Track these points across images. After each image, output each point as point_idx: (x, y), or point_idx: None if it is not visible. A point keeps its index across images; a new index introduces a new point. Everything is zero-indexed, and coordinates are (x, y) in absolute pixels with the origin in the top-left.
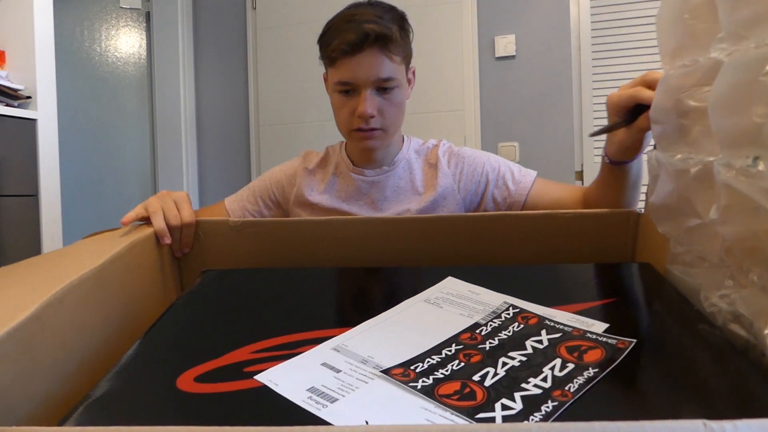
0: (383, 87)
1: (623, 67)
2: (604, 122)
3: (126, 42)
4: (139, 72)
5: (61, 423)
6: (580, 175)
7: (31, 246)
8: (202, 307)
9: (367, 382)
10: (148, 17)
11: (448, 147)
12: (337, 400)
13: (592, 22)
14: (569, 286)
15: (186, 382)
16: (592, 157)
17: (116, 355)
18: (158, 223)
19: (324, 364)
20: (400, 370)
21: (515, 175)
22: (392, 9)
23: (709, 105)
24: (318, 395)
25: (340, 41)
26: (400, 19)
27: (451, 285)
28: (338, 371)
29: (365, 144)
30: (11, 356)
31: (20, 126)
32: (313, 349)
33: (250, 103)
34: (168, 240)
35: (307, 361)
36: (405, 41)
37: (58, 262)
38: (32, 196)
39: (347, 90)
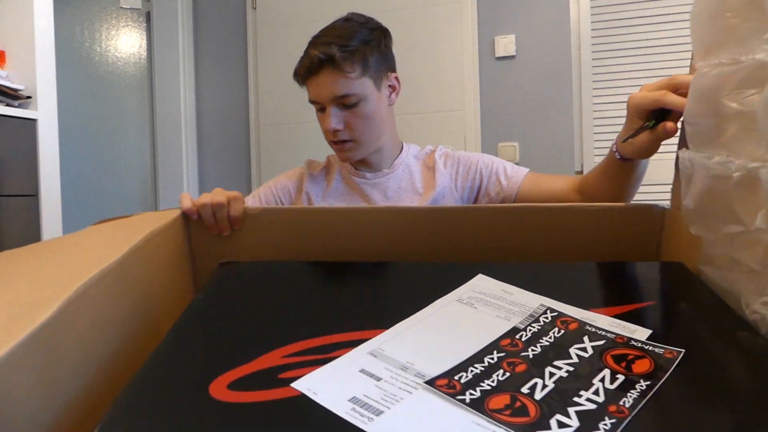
0: (344, 103)
1: (623, 67)
2: (605, 122)
3: (126, 42)
4: (139, 72)
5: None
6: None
7: None
8: (225, 304)
9: (411, 392)
10: (148, 17)
11: (444, 151)
12: (382, 412)
13: (592, 22)
14: (603, 287)
15: (219, 389)
16: (591, 157)
17: (134, 354)
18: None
19: (363, 371)
20: (444, 381)
21: (507, 171)
22: (366, 22)
23: (760, 110)
24: (361, 407)
25: (300, 65)
26: (369, 33)
27: (483, 283)
28: (379, 379)
29: (341, 155)
30: (35, 359)
31: (20, 126)
32: (349, 353)
33: (250, 103)
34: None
35: (344, 367)
36: (360, 57)
37: (70, 251)
38: (32, 196)
39: (320, 108)
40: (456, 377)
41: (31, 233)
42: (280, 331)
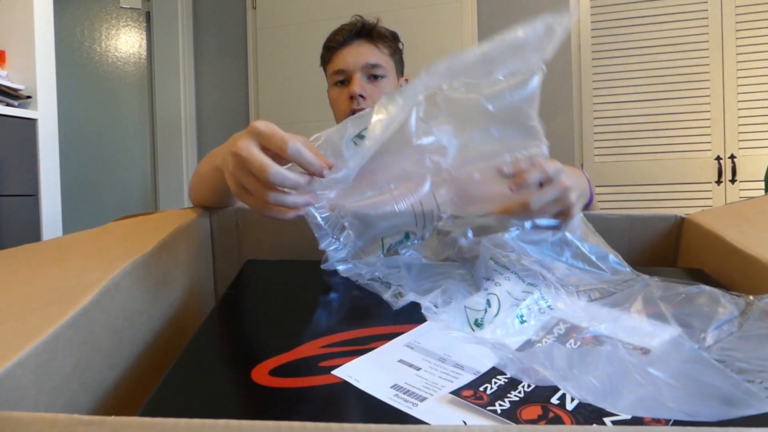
0: (372, 74)
1: (623, 66)
2: (605, 122)
3: (126, 42)
4: (139, 72)
5: (140, 414)
6: None
7: None
8: (257, 298)
9: (452, 382)
10: (148, 17)
11: None
12: (425, 399)
13: (592, 22)
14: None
15: (261, 375)
16: (591, 158)
17: (162, 348)
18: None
19: (401, 361)
20: (470, 392)
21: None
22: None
23: None
24: (404, 393)
25: (334, 35)
26: (389, 30)
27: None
28: (418, 369)
29: None
30: (74, 344)
31: (20, 126)
32: (386, 345)
33: (250, 103)
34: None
35: (382, 357)
36: (392, 41)
37: (97, 244)
38: (32, 196)
39: (342, 80)
40: (481, 388)
41: (31, 233)
42: (315, 324)
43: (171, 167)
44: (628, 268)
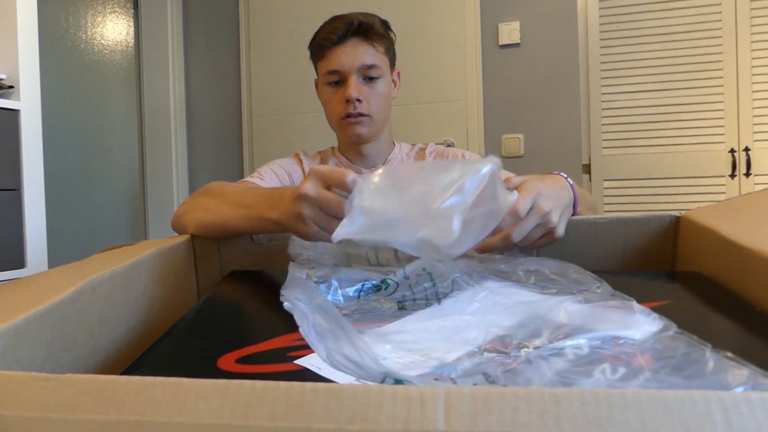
0: (368, 76)
1: (633, 55)
2: (614, 113)
3: (113, 29)
4: (126, 60)
5: None
6: (587, 169)
7: (14, 242)
8: (236, 300)
9: (418, 368)
10: (135, 3)
11: (435, 148)
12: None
13: (600, 9)
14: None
15: (227, 362)
16: (600, 150)
17: (137, 354)
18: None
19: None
20: (435, 377)
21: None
22: (375, 16)
23: None
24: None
25: (327, 32)
26: (382, 21)
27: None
28: (384, 358)
29: (353, 130)
30: (45, 335)
31: (2, 117)
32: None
33: (242, 93)
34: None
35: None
36: (387, 37)
37: (78, 268)
38: (14, 190)
39: (336, 81)
40: (448, 374)
41: (14, 229)
42: (292, 321)
43: (160, 160)
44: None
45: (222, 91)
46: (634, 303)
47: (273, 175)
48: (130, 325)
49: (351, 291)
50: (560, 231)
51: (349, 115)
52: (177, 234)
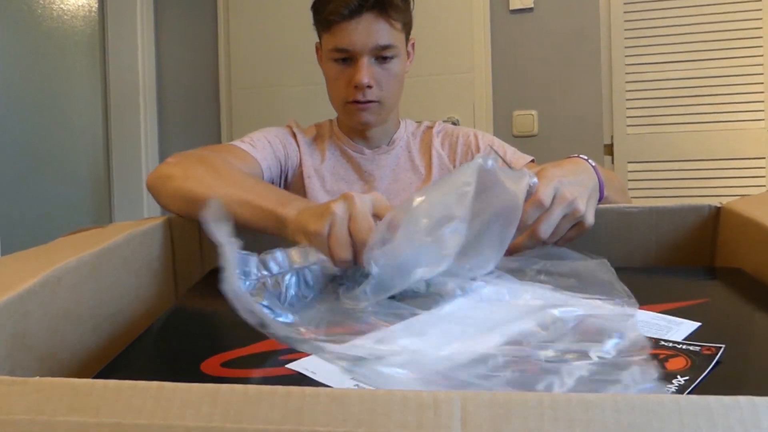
0: (382, 56)
1: (661, 21)
2: (639, 86)
3: None
4: (89, 27)
5: None
6: (609, 150)
7: None
8: (217, 300)
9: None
10: None
11: (443, 128)
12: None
13: None
14: (647, 288)
15: (211, 366)
16: (624, 128)
17: (106, 354)
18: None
19: (369, 356)
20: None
21: (507, 156)
22: None
23: None
24: (366, 385)
25: (338, 4)
26: None
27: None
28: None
29: (360, 117)
30: (3, 332)
31: None
32: (353, 341)
33: (220, 64)
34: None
35: (347, 351)
36: (406, 7)
37: (40, 255)
38: None
39: (343, 58)
40: (454, 374)
41: None
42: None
43: (127, 139)
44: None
45: (197, 61)
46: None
47: (266, 144)
48: (98, 319)
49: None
50: (589, 219)
51: (356, 101)
52: (152, 195)
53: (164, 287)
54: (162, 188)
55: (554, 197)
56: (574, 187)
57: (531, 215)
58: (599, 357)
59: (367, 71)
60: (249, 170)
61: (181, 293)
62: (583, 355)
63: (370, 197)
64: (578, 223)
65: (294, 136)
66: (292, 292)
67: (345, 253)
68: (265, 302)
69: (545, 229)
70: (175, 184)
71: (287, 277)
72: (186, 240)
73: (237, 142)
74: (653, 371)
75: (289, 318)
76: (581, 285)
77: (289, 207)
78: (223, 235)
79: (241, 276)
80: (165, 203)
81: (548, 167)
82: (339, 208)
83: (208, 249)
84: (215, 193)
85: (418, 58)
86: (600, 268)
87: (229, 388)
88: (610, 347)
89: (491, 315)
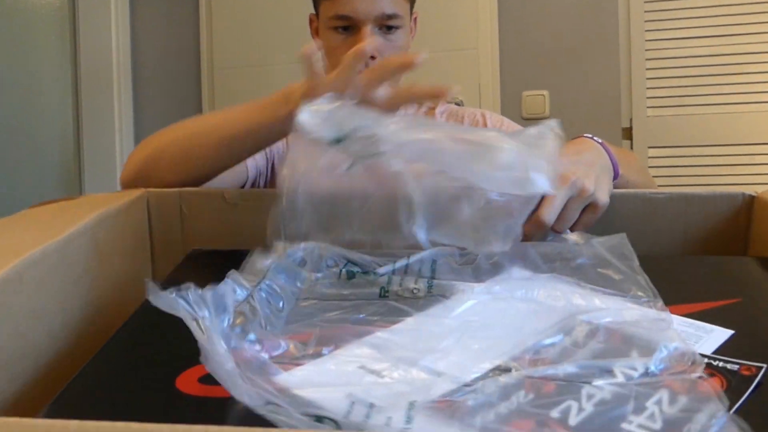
0: (386, 25)
1: None
2: (661, 64)
3: None
4: (58, 1)
5: (39, 415)
6: (628, 133)
7: None
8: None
9: (423, 391)
10: None
11: (446, 107)
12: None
13: None
14: (674, 282)
15: (188, 382)
16: (643, 110)
17: (83, 354)
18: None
19: (363, 368)
20: (445, 403)
21: None
22: None
23: None
24: (363, 405)
25: None
26: None
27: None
28: (382, 376)
29: None
30: None
31: None
32: (345, 347)
33: (201, 41)
34: None
35: (338, 363)
36: None
37: (6, 234)
38: None
39: (344, 26)
40: (460, 397)
41: None
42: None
43: (99, 124)
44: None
45: (176, 38)
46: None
47: None
48: (68, 314)
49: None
50: (602, 198)
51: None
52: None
53: (140, 272)
54: (142, 159)
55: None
56: (575, 166)
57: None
58: (630, 374)
59: (371, 40)
60: None
61: (160, 278)
62: (608, 372)
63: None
64: (590, 205)
65: None
66: (266, 310)
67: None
68: (251, 336)
69: (549, 213)
70: (156, 141)
71: (257, 294)
72: (165, 217)
73: None
74: (717, 401)
75: (282, 347)
76: (596, 276)
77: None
78: (184, 309)
79: (219, 314)
80: (151, 172)
81: None
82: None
83: (191, 226)
84: (203, 122)
85: (420, 34)
86: (616, 249)
87: (203, 430)
88: (651, 362)
89: (504, 320)
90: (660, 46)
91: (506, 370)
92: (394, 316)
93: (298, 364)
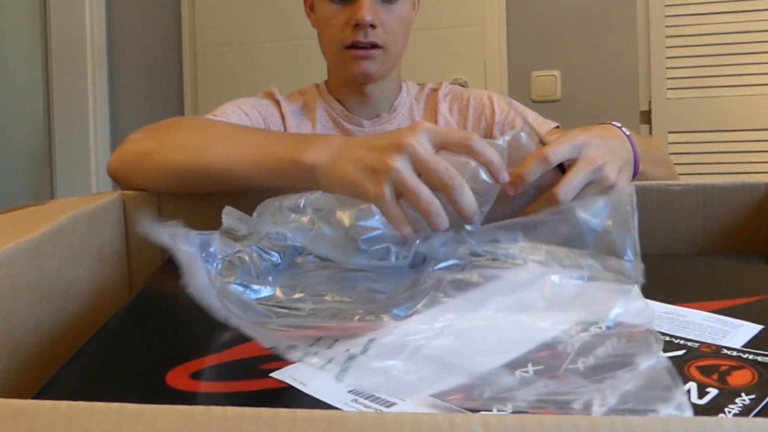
0: None
1: None
2: (682, 42)
3: None
4: None
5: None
6: (646, 117)
7: None
8: (183, 293)
9: (435, 383)
10: None
11: (450, 90)
12: (394, 404)
13: None
14: (696, 279)
15: (179, 378)
16: (663, 92)
17: (55, 363)
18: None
19: (368, 360)
20: (458, 395)
21: (528, 121)
22: None
23: None
24: (366, 398)
25: None
26: None
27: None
28: (390, 368)
29: (360, 66)
30: None
31: None
32: (348, 342)
33: (183, 18)
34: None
35: (341, 355)
36: None
37: None
38: None
39: None
40: (476, 391)
41: None
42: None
43: (72, 108)
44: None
45: (155, 14)
46: None
47: (242, 116)
48: (41, 317)
49: None
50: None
51: (355, 45)
52: (119, 187)
53: (116, 277)
54: (139, 168)
55: (577, 159)
56: (603, 151)
57: (532, 171)
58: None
59: (370, 7)
60: None
61: (137, 284)
62: (631, 364)
63: (423, 131)
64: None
65: (278, 105)
66: (258, 263)
67: (437, 214)
68: (237, 281)
69: (566, 193)
70: (158, 159)
71: (249, 249)
72: (143, 219)
73: (207, 117)
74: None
75: (267, 291)
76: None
77: (310, 150)
78: (169, 236)
79: (207, 259)
80: (145, 185)
81: (572, 130)
82: (398, 161)
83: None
84: (210, 154)
85: (424, 9)
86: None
87: (205, 411)
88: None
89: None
90: (682, 23)
91: (521, 362)
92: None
93: (283, 308)
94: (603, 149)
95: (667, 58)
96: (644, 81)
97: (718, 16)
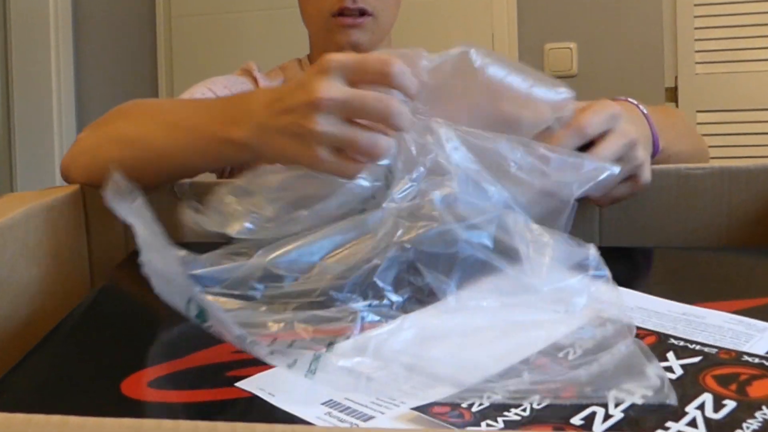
0: None
1: None
2: (712, 11)
3: None
4: None
5: None
6: (672, 94)
7: None
8: (146, 291)
9: (419, 395)
10: None
11: None
12: (372, 417)
13: None
14: (715, 276)
15: (135, 386)
16: (691, 66)
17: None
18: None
19: (345, 369)
20: (444, 409)
21: None
22: None
23: None
24: (341, 410)
25: None
26: None
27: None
28: (370, 378)
29: (348, 36)
30: None
31: None
32: (328, 347)
33: None
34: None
35: (307, 355)
36: None
37: None
38: None
39: None
40: (463, 404)
41: None
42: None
43: (33, 82)
44: None
45: None
46: None
47: (213, 97)
48: None
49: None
50: (646, 175)
51: (342, 12)
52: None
53: (76, 278)
54: (84, 166)
55: (613, 130)
56: (632, 125)
57: (568, 145)
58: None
59: None
60: None
61: (99, 284)
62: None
63: (334, 71)
64: (632, 177)
65: (255, 82)
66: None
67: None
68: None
69: (602, 159)
70: (100, 156)
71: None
72: (104, 215)
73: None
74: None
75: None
76: None
77: (236, 125)
78: (131, 211)
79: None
80: (93, 183)
81: (602, 100)
82: (319, 123)
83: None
84: (141, 146)
85: None
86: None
87: (155, 425)
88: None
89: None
90: None
91: (516, 374)
92: None
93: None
94: (632, 123)
95: (696, 28)
96: (670, 55)
97: None
